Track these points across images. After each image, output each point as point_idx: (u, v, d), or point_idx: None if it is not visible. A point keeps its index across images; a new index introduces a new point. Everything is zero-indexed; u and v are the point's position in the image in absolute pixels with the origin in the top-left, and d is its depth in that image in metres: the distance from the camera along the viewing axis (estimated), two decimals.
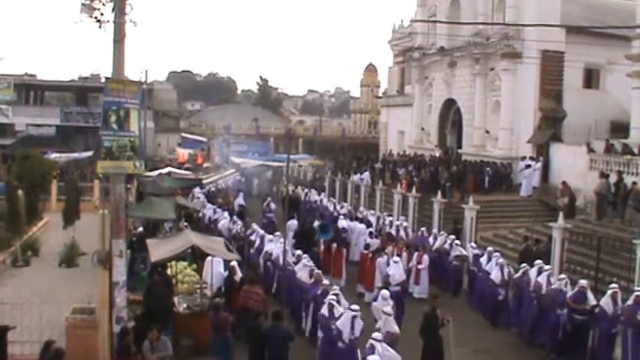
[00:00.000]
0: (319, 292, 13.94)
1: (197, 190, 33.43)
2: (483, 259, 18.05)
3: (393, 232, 22.72)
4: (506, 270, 16.79)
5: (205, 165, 49.92)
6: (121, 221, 11.66)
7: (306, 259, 16.29)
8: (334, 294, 12.92)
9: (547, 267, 15.96)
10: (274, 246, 18.86)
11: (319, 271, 15.30)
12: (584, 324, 13.77)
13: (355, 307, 12.00)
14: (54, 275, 17.44)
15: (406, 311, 15.75)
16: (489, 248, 18.80)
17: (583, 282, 14.19)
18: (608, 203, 21.60)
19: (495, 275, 16.71)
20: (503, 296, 16.53)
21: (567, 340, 13.96)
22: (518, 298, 15.96)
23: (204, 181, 37.03)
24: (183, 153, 51.65)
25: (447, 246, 20.20)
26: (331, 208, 30.33)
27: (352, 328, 11.62)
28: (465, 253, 19.69)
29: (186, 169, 42.79)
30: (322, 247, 20.75)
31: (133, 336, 10.91)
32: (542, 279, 15.14)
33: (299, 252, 17.31)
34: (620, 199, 21.01)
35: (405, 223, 23.92)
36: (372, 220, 25.28)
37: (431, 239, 21.49)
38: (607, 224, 21.06)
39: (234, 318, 12.50)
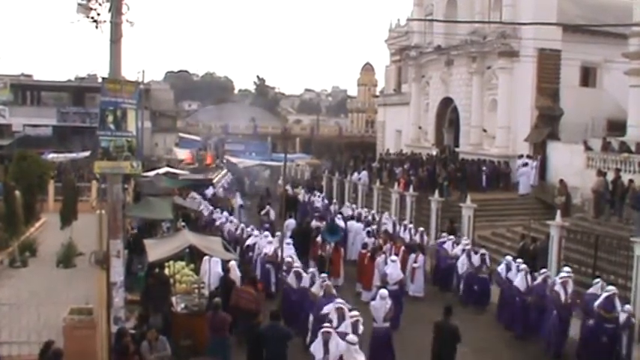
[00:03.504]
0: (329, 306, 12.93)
1: (210, 189, 33.76)
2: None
3: (402, 234, 22.58)
4: (529, 277, 15.78)
5: (213, 165, 49.81)
6: (119, 221, 11.64)
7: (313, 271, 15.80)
8: (338, 307, 12.26)
9: (566, 274, 14.79)
10: (272, 247, 18.89)
11: (329, 283, 14.59)
12: (614, 333, 13.12)
13: (353, 338, 10.73)
14: (51, 276, 17.39)
15: (403, 310, 15.82)
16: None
17: (612, 288, 13.40)
18: (606, 201, 21.60)
19: (520, 282, 15.72)
20: (526, 305, 15.49)
21: (597, 350, 13.26)
22: (540, 306, 15.03)
23: (214, 181, 37.30)
24: (190, 154, 51.39)
25: (471, 255, 18.84)
26: (319, 205, 30.41)
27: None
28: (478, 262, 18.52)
29: (194, 170, 42.76)
30: (317, 246, 20.70)
31: (132, 336, 10.89)
32: (558, 287, 14.31)
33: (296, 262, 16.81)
34: (617, 197, 21.01)
35: (420, 228, 22.86)
36: (388, 223, 24.82)
37: (447, 245, 20.63)
38: (604, 222, 21.07)
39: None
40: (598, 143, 25.57)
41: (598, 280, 14.37)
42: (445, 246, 20.64)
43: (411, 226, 23.61)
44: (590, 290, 14.10)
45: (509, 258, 17.37)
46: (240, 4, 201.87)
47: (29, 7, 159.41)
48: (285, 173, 30.30)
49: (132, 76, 33.31)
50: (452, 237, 21.28)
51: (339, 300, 12.77)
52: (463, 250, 19.31)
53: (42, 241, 20.74)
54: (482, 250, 18.95)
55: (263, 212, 28.46)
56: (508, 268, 16.83)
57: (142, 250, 15.48)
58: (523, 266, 16.23)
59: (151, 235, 19.35)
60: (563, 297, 14.19)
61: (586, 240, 18.82)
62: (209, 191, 34.24)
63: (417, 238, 21.87)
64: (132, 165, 11.48)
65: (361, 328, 11.76)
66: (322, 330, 10.80)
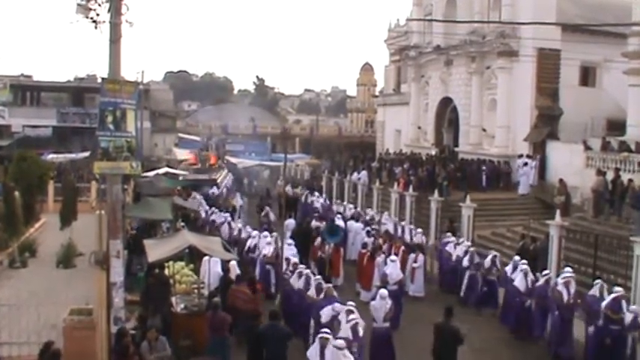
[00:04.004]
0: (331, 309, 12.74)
1: (214, 189, 33.78)
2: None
3: (401, 234, 22.52)
4: (530, 277, 15.60)
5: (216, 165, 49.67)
6: (118, 222, 11.62)
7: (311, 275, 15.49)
8: (349, 309, 11.95)
9: (568, 274, 14.60)
10: (271, 248, 18.86)
11: (330, 285, 14.36)
12: (620, 335, 12.94)
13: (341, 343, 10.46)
14: (51, 276, 17.39)
15: (403, 310, 15.81)
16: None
17: (619, 289, 13.27)
18: (605, 201, 21.60)
19: (519, 282, 15.53)
20: (528, 306, 15.37)
21: (603, 353, 13.08)
22: (542, 307, 14.89)
23: (218, 181, 37.31)
24: (193, 154, 51.30)
25: (474, 257, 18.71)
26: (318, 205, 30.35)
27: None
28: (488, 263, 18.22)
29: (198, 170, 42.71)
30: (317, 246, 20.65)
31: (132, 337, 10.89)
32: (561, 287, 14.17)
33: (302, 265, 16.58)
34: (617, 196, 21.01)
35: (418, 229, 22.65)
36: (388, 223, 24.54)
37: (449, 246, 20.33)
38: (604, 222, 21.07)
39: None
40: (597, 143, 25.59)
41: (598, 281, 14.25)
42: (447, 248, 20.39)
43: (411, 226, 23.56)
44: (591, 292, 13.95)
45: (517, 258, 17.00)
46: (239, 4, 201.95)
47: (29, 7, 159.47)
48: (285, 173, 30.28)
49: (131, 77, 33.40)
50: (454, 238, 21.09)
51: (349, 302, 12.51)
52: (466, 252, 19.11)
53: (42, 242, 20.74)
54: (494, 252, 18.69)
55: (262, 214, 27.85)
56: (515, 269, 16.54)
57: (141, 251, 15.46)
58: (524, 267, 16.04)
59: (151, 235, 19.32)
60: (565, 297, 14.06)
61: (586, 240, 18.79)
62: (212, 191, 34.33)
63: (417, 238, 21.79)
64: (131, 165, 11.46)
65: (361, 331, 11.69)
66: (320, 336, 10.61)
